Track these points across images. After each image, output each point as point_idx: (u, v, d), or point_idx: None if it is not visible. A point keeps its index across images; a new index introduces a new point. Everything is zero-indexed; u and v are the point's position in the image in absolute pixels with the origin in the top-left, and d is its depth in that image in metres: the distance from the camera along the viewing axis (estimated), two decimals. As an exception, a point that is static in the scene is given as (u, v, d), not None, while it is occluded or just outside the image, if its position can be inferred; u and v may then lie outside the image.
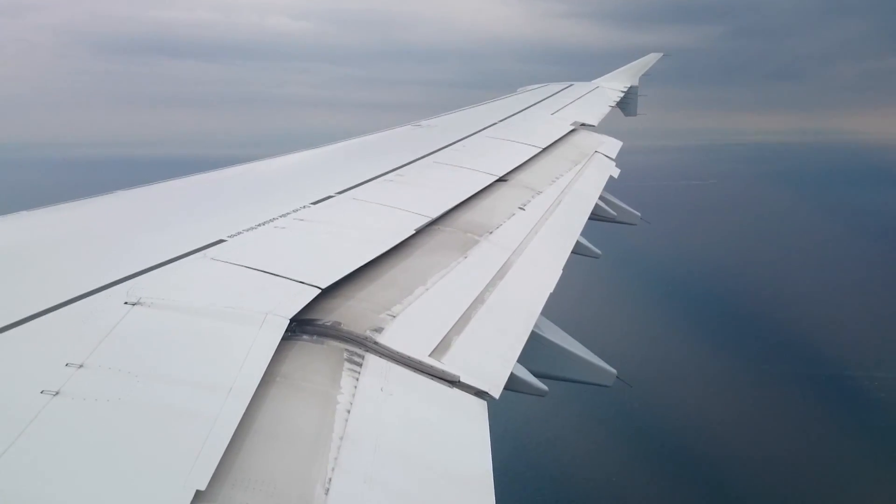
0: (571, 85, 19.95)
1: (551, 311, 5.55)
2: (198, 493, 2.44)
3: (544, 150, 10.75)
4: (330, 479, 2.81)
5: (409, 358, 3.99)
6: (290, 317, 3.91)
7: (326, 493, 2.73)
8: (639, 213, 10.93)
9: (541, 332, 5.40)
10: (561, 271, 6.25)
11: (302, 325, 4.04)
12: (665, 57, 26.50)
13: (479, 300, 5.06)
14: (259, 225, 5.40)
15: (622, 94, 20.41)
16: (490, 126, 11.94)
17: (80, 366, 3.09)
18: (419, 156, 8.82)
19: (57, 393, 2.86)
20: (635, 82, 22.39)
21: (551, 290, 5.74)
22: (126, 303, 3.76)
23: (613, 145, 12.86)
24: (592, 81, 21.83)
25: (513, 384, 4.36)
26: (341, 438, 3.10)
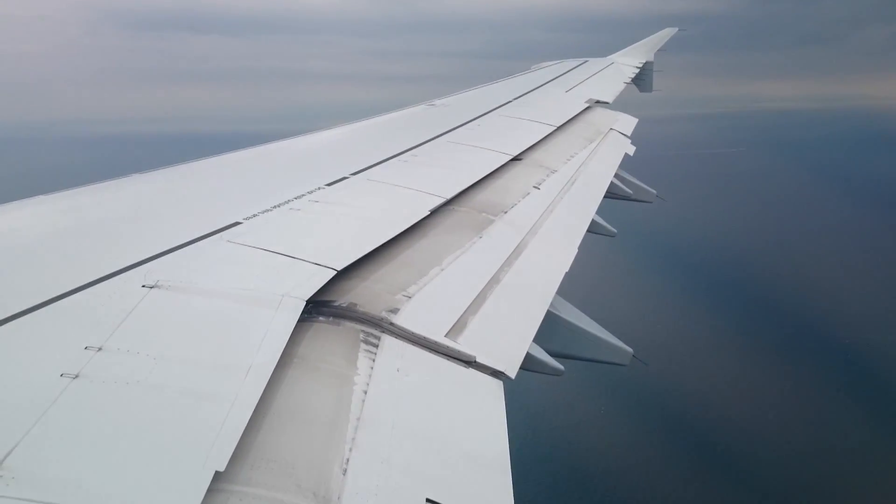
0: (586, 61, 19.77)
1: (567, 290, 5.53)
2: (217, 473, 2.46)
3: (559, 128, 10.68)
4: (347, 460, 2.83)
5: (424, 338, 3.99)
6: (307, 298, 3.93)
7: (344, 474, 2.75)
8: (654, 191, 10.85)
9: (556, 312, 5.40)
10: (576, 250, 6.22)
11: (318, 307, 4.06)
12: (681, 31, 26.22)
13: (494, 280, 5.06)
14: (274, 207, 5.41)
15: (637, 71, 20.20)
16: (504, 104, 11.87)
17: (100, 349, 3.12)
18: (433, 136, 8.79)
19: (76, 376, 2.89)
20: (650, 58, 22.15)
21: (567, 270, 5.72)
22: (144, 286, 3.79)
23: (629, 122, 12.75)
24: (607, 57, 21.62)
25: (529, 364, 4.36)
26: (358, 419, 3.12)
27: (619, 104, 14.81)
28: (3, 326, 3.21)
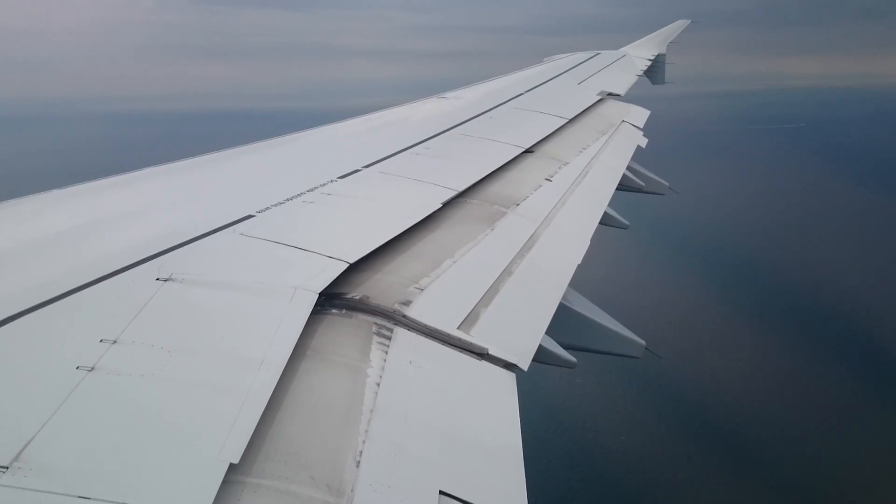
0: (598, 54, 19.71)
1: (579, 282, 5.52)
2: (231, 465, 2.47)
3: (571, 120, 10.64)
4: (361, 451, 2.84)
5: (437, 331, 3.99)
6: (319, 291, 3.94)
7: (357, 465, 2.75)
8: (667, 183, 10.81)
9: (569, 304, 5.38)
10: (589, 242, 6.21)
11: (331, 299, 4.07)
12: (694, 22, 26.15)
13: (506, 272, 5.05)
14: (287, 200, 5.42)
15: (650, 63, 20.12)
16: (516, 97, 11.83)
17: (115, 341, 3.13)
18: (445, 128, 8.77)
19: (92, 368, 2.91)
20: (663, 50, 22.10)
21: (579, 262, 5.71)
22: (158, 279, 3.81)
23: (641, 114, 12.69)
24: (619, 49, 21.56)
25: (541, 356, 4.35)
26: (371, 411, 3.12)
27: (632, 98, 14.74)
28: (20, 320, 3.24)
